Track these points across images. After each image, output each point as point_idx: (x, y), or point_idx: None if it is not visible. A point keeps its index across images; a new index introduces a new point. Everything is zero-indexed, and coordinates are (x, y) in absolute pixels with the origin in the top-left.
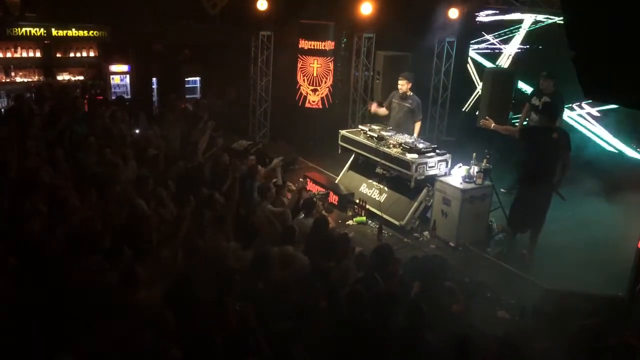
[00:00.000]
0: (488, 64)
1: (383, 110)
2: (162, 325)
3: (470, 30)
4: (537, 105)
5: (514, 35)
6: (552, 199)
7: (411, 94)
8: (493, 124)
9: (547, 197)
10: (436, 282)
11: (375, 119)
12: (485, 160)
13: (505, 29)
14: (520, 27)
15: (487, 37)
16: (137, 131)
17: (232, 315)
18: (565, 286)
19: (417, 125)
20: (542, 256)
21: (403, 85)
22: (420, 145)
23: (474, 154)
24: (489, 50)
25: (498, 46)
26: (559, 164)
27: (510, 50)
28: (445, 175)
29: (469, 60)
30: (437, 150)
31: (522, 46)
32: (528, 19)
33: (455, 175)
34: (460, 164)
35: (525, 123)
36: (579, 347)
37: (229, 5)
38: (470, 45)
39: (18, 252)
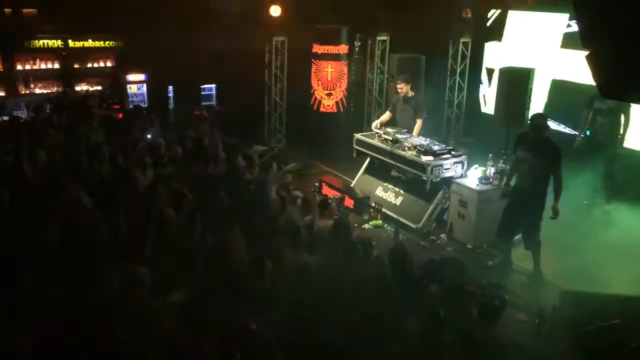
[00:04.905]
0: None
1: (385, 116)
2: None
3: (485, 30)
4: (605, 109)
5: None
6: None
7: (413, 94)
8: None
9: (539, 216)
10: (456, 286)
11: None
12: (501, 161)
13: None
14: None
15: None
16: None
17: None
18: (584, 287)
19: (418, 123)
20: (560, 256)
21: (402, 88)
22: (436, 147)
23: (490, 154)
24: None
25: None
26: (549, 179)
27: None
28: (461, 177)
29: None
30: (453, 152)
31: None
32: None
33: (472, 176)
34: (477, 165)
35: (588, 132)
36: (597, 349)
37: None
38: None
39: (35, 262)
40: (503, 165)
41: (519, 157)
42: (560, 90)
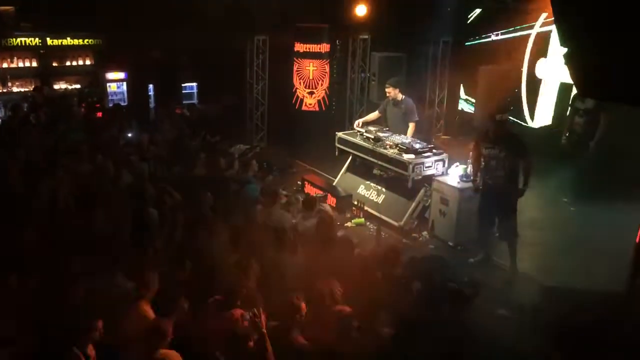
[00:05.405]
0: None
1: (372, 115)
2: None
3: (465, 29)
4: (583, 109)
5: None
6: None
7: (402, 97)
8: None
9: (513, 209)
10: (437, 283)
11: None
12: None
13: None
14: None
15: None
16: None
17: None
18: (563, 282)
19: (411, 126)
20: (540, 253)
21: (390, 92)
22: (417, 146)
23: (471, 152)
24: None
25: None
26: (520, 170)
27: None
28: (442, 174)
29: None
30: (434, 150)
31: None
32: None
33: (453, 174)
34: (457, 163)
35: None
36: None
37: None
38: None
39: (17, 263)
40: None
41: (484, 155)
42: None
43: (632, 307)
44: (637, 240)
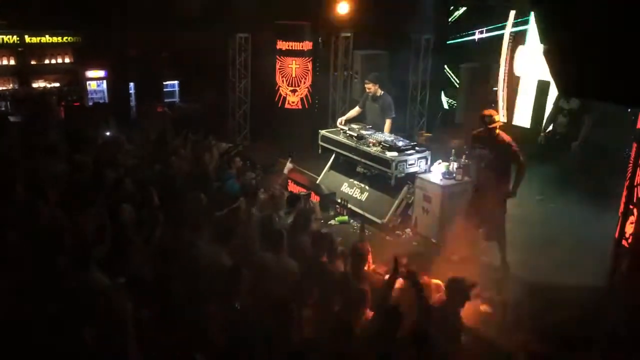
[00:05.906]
0: None
1: (354, 111)
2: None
3: (448, 27)
4: (567, 109)
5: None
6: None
7: (381, 93)
8: None
9: (501, 209)
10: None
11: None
12: (464, 156)
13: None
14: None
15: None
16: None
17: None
18: (545, 278)
19: (388, 122)
20: (521, 249)
21: (370, 88)
22: (400, 143)
23: (453, 150)
24: None
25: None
26: (509, 172)
27: None
28: (425, 172)
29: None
30: (417, 148)
31: None
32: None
33: (435, 172)
34: (440, 161)
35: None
36: (559, 339)
37: (206, 8)
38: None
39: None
40: (466, 161)
41: (476, 155)
42: None
43: (613, 302)
44: (617, 236)
